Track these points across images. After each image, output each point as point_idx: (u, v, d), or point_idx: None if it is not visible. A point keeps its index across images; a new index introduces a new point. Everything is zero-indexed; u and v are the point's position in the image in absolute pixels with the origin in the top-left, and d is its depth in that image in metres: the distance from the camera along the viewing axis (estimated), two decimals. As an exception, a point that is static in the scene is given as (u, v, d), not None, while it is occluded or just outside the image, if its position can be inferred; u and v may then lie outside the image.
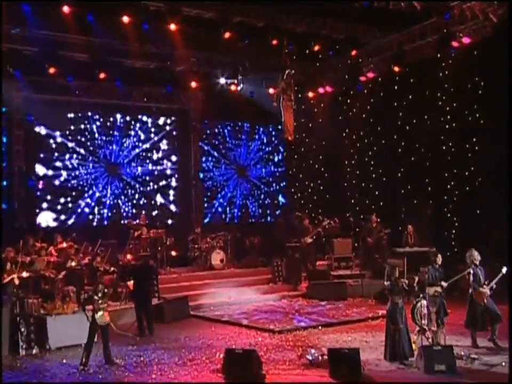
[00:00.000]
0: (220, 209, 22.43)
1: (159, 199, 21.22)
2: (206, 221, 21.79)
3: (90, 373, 9.97)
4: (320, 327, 12.88)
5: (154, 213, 20.72)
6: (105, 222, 19.90)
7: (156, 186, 21.20)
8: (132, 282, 12.69)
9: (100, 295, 10.39)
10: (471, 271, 11.17)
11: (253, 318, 14.10)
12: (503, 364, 9.69)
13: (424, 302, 10.83)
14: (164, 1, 15.72)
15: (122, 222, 18.70)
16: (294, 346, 11.27)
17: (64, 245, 15.31)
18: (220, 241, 18.18)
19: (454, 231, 19.40)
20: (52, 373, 10.05)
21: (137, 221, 18.23)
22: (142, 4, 15.60)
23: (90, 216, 19.82)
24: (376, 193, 21.92)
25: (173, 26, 16.03)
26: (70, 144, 19.62)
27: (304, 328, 12.82)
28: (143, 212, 19.25)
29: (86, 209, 19.75)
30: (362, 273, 17.66)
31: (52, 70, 16.94)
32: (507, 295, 11.42)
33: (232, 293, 16.29)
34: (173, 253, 17.49)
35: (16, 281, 12.47)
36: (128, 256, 15.43)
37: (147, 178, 21.03)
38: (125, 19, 15.38)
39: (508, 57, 14.40)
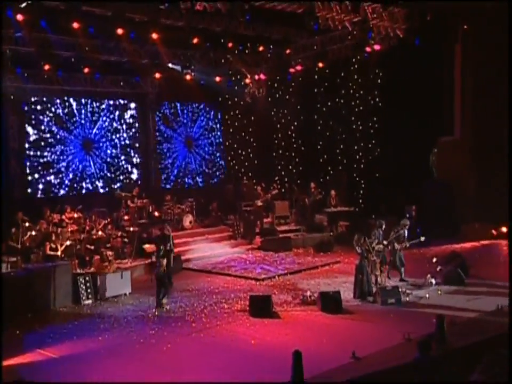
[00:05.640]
0: (173, 177, 24.85)
1: (126, 169, 23.39)
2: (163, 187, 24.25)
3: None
4: (288, 274, 16.23)
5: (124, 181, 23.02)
6: (89, 192, 21.91)
7: (122, 159, 23.29)
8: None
9: (161, 254, 13.28)
10: (401, 232, 14.87)
11: (233, 268, 17.06)
12: (427, 295, 13.48)
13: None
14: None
15: (116, 192, 20.65)
16: (280, 290, 14.51)
17: (75, 215, 17.42)
18: (187, 206, 20.91)
19: (361, 192, 23.41)
20: (118, 316, 12.64)
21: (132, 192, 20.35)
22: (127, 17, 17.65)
23: (76, 187, 21.79)
24: (297, 160, 25.49)
25: (155, 36, 18.18)
26: (53, 125, 21.33)
27: (278, 275, 16.01)
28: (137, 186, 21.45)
29: (67, 182, 21.68)
30: (299, 228, 21.13)
31: (46, 66, 18.61)
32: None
33: (206, 249, 19.18)
34: (156, 213, 19.91)
35: (60, 249, 14.81)
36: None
37: (115, 152, 23.06)
38: (119, 31, 17.31)
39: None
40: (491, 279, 14.50)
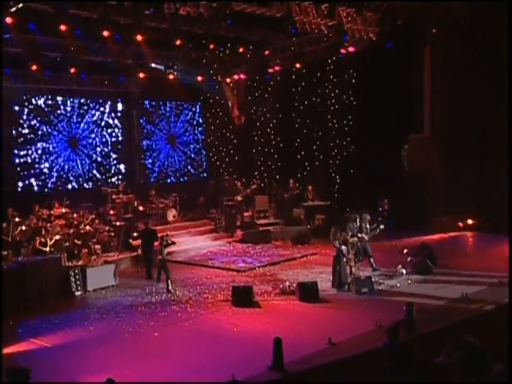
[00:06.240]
0: (157, 173, 25.00)
1: (111, 165, 23.50)
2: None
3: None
4: (268, 265, 16.56)
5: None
6: (76, 188, 21.99)
7: (107, 156, 23.40)
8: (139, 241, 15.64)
9: (164, 244, 13.95)
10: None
11: (215, 260, 17.36)
12: (398, 285, 13.93)
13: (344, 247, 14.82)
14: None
15: (102, 188, 20.79)
16: (261, 280, 14.86)
17: (63, 210, 17.55)
18: (171, 201, 21.13)
19: (337, 187, 23.85)
20: (107, 307, 12.90)
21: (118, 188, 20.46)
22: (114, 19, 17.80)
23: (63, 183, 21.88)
24: (275, 156, 25.83)
25: (139, 37, 18.39)
26: (40, 124, 21.40)
27: (258, 267, 16.37)
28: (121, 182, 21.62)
29: (54, 177, 21.75)
30: (278, 222, 21.50)
31: (33, 67, 18.74)
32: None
33: (189, 242, 19.42)
34: (140, 208, 20.13)
35: (50, 243, 14.98)
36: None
37: (101, 148, 23.16)
38: (105, 33, 17.48)
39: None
40: (457, 268, 15.04)
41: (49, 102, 21.61)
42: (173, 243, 14.92)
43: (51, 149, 21.70)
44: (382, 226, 15.22)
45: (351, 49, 20.89)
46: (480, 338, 8.90)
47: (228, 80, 24.31)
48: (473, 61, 20.23)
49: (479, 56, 20.02)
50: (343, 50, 21.14)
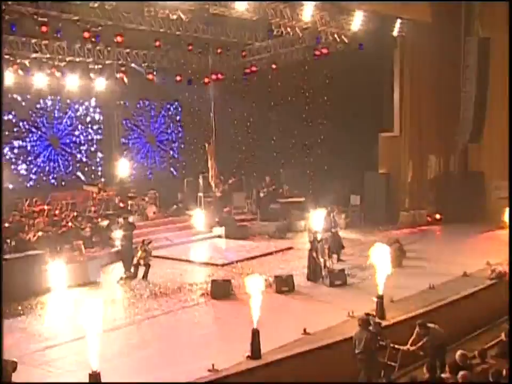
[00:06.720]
0: (137, 170, 24.91)
1: (92, 163, 23.48)
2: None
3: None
4: (246, 260, 16.70)
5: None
6: (57, 185, 21.89)
7: (89, 153, 23.36)
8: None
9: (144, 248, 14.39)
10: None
11: (194, 255, 17.52)
12: (369, 277, 14.23)
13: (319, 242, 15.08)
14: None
15: (84, 185, 20.74)
16: (239, 274, 14.99)
17: (46, 207, 17.51)
18: (151, 197, 21.20)
19: (311, 183, 24.18)
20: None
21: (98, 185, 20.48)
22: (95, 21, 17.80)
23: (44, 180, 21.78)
24: (253, 154, 26.06)
25: (119, 39, 18.40)
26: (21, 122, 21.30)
27: (237, 261, 16.50)
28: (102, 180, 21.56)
29: (34, 176, 21.65)
30: (255, 217, 21.71)
31: (14, 66, 18.67)
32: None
33: (169, 237, 19.50)
34: (121, 204, 20.17)
35: (33, 239, 14.97)
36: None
37: (82, 147, 23.11)
38: (86, 34, 17.47)
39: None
40: (425, 261, 15.46)
41: (28, 96, 21.33)
42: (149, 260, 14.98)
43: (29, 148, 21.49)
44: (343, 215, 15.45)
45: (324, 50, 21.21)
46: (445, 327, 9.25)
47: (206, 80, 24.32)
48: (439, 62, 20.78)
49: (444, 57, 20.57)
50: (317, 52, 21.45)
